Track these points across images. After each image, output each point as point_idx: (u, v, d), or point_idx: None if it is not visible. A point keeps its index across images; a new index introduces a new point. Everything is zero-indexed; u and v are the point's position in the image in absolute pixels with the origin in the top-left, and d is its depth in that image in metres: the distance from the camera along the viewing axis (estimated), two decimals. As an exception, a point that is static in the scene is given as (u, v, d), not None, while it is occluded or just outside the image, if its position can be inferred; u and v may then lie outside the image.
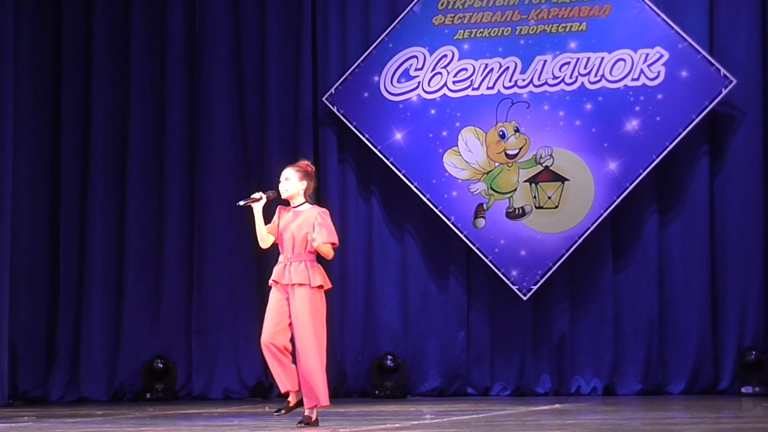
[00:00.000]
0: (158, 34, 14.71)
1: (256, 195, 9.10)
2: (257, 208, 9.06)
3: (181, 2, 14.69)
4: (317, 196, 14.27)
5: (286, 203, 9.21)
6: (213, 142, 14.50)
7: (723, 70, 13.34)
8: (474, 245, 13.88)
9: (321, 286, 8.99)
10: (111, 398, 14.22)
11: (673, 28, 13.50)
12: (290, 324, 8.94)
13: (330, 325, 13.99)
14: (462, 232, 13.90)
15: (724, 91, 13.34)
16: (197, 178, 14.54)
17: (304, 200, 9.14)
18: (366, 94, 14.23)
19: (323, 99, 14.33)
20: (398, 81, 14.18)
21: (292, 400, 9.07)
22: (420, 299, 14.16)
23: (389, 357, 13.88)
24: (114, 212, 14.53)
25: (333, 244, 9.00)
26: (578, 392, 13.69)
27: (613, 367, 13.69)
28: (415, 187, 14.02)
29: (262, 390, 14.16)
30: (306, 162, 9.33)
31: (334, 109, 14.28)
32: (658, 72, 13.54)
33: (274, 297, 8.99)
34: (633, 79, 13.61)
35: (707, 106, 13.39)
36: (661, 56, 13.55)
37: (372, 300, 14.26)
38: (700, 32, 13.58)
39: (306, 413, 8.94)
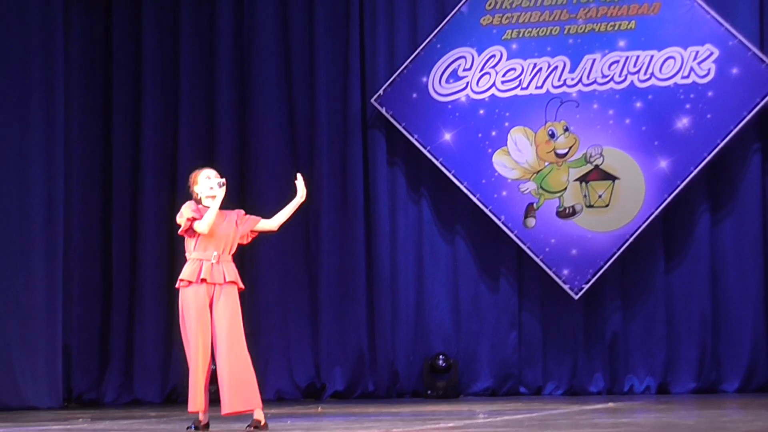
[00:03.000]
0: (207, 38, 14.79)
1: (222, 180, 8.99)
2: (219, 195, 8.93)
3: (229, 6, 14.76)
4: (366, 198, 14.36)
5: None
6: (262, 145, 14.55)
7: (774, 67, 13.27)
8: (524, 245, 13.86)
9: (242, 289, 8.95)
10: (164, 400, 14.31)
11: (722, 25, 13.42)
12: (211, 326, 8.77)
13: (381, 325, 14.18)
14: (512, 232, 13.89)
15: (775, 88, 13.28)
16: (247, 181, 14.60)
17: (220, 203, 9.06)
18: (414, 95, 14.25)
19: (372, 100, 14.36)
20: (447, 81, 14.18)
21: (204, 419, 8.91)
22: (471, 300, 14.15)
23: (441, 357, 13.89)
24: (165, 214, 14.58)
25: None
26: (631, 391, 13.64)
27: (667, 365, 13.62)
28: (465, 187, 14.01)
29: (314, 391, 14.21)
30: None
31: (383, 111, 14.30)
32: (709, 69, 13.48)
33: (198, 298, 8.77)
34: (683, 77, 13.54)
35: (758, 103, 13.31)
36: (711, 53, 13.48)
37: (423, 301, 14.27)
38: (751, 29, 13.49)
39: (259, 417, 8.76)
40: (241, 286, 8.95)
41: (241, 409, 8.74)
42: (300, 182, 9.13)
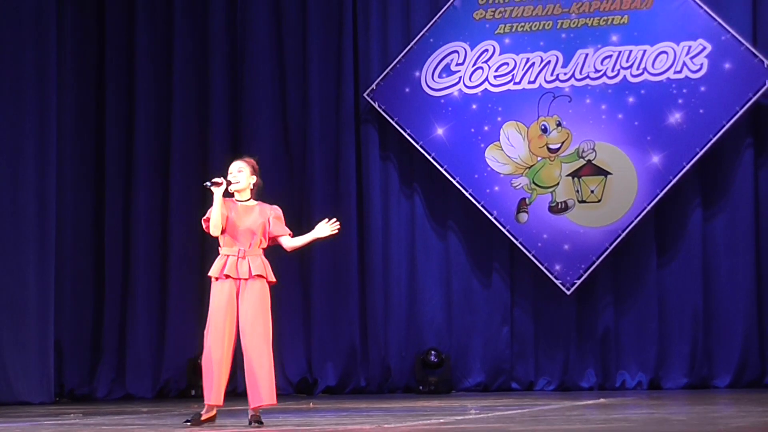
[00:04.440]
0: (200, 33, 14.77)
1: (218, 179, 8.81)
2: (218, 193, 8.76)
3: (222, 2, 14.73)
4: (359, 193, 14.34)
5: (229, 195, 8.96)
6: (256, 140, 14.53)
7: (767, 62, 13.25)
8: (517, 240, 13.86)
9: (273, 282, 8.86)
10: (156, 395, 14.30)
11: (715, 19, 13.42)
12: (236, 322, 8.73)
13: (373, 321, 14.18)
14: (505, 227, 13.89)
15: (768, 83, 13.28)
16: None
17: (250, 196, 8.95)
18: (407, 90, 14.24)
19: (364, 95, 14.35)
20: (439, 76, 14.17)
21: (209, 414, 8.84)
22: (463, 295, 14.15)
23: (433, 352, 13.89)
24: (157, 211, 14.60)
25: (291, 235, 8.98)
26: (623, 386, 13.64)
27: (659, 361, 13.63)
28: (457, 182, 14.01)
29: (306, 386, 14.21)
30: (252, 158, 9.09)
31: (376, 105, 14.29)
32: (701, 64, 13.47)
33: (222, 294, 8.74)
34: (676, 72, 13.54)
35: (751, 98, 13.31)
36: (704, 48, 13.47)
37: (415, 296, 14.27)
38: (743, 24, 13.49)
39: (255, 413, 8.73)
40: (271, 279, 8.84)
41: (261, 403, 8.71)
42: (331, 226, 9.00)
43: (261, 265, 8.81)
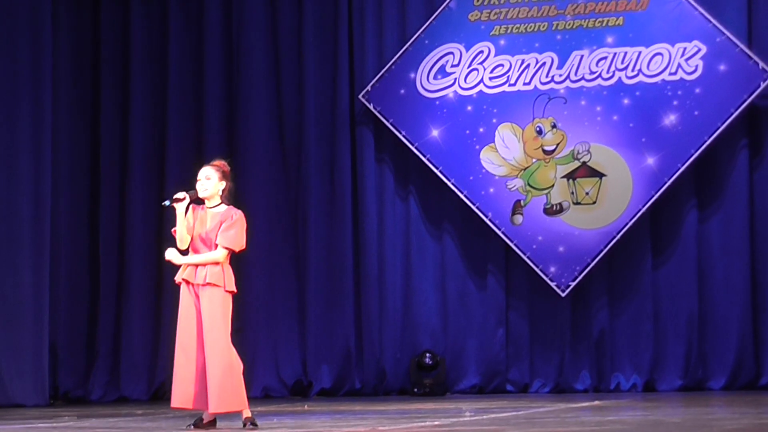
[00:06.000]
0: (195, 33, 14.76)
1: (180, 195, 8.82)
2: (180, 209, 8.81)
3: (218, 2, 14.72)
4: (354, 195, 14.32)
5: (201, 202, 8.97)
6: (251, 141, 14.53)
7: (761, 64, 13.25)
8: (512, 242, 13.85)
9: (232, 291, 8.83)
10: (151, 397, 14.28)
11: (710, 21, 13.42)
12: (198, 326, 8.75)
13: (368, 323, 14.16)
14: (499, 229, 13.88)
15: (763, 85, 13.26)
16: (235, 177, 14.52)
17: (220, 201, 8.94)
18: (402, 91, 14.23)
19: (359, 96, 14.34)
20: (434, 77, 14.17)
21: (208, 417, 8.86)
22: (458, 297, 14.14)
23: (428, 354, 13.87)
24: (153, 212, 14.57)
25: (230, 249, 8.79)
26: (618, 389, 13.63)
27: (653, 363, 13.62)
28: (452, 184, 14.00)
29: (301, 388, 14.20)
30: (224, 161, 9.07)
31: (371, 107, 14.28)
32: (696, 66, 13.47)
33: (185, 298, 8.83)
34: (671, 74, 13.54)
35: (746, 100, 13.31)
36: (699, 50, 13.47)
37: (410, 298, 14.26)
38: (738, 25, 13.48)
39: (248, 415, 8.73)
40: (229, 288, 8.80)
41: (216, 410, 8.70)
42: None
43: (219, 273, 8.78)
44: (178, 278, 8.88)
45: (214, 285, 8.76)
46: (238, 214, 8.91)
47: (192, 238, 8.85)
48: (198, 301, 8.78)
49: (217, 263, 8.80)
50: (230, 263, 8.90)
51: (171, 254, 8.82)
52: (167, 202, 8.85)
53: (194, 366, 8.75)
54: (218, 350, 8.68)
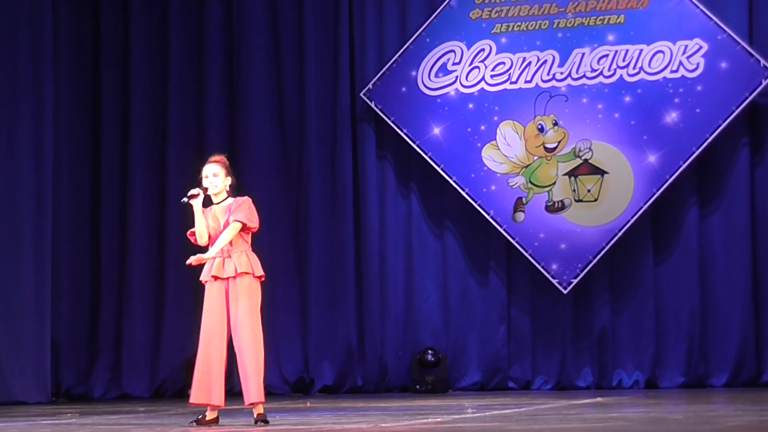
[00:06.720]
0: (196, 31, 14.77)
1: (195, 191, 8.90)
2: (197, 205, 8.88)
3: (218, 0, 14.73)
4: (355, 192, 14.34)
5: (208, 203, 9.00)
6: (252, 139, 14.54)
7: (763, 61, 13.26)
8: (513, 239, 13.86)
9: (261, 277, 8.89)
10: (153, 394, 14.29)
11: (712, 19, 13.43)
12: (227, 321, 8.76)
13: (370, 320, 14.17)
14: (501, 227, 13.89)
15: (765, 82, 13.27)
16: (237, 175, 14.52)
17: (227, 195, 9.01)
18: (404, 89, 14.24)
19: (361, 94, 14.35)
20: (436, 75, 14.18)
21: (211, 415, 8.86)
22: (460, 294, 14.15)
23: (430, 352, 13.88)
24: (154, 209, 14.60)
25: (242, 223, 8.82)
26: (620, 386, 13.65)
27: (655, 360, 13.63)
28: (454, 181, 14.01)
29: (303, 385, 14.21)
30: (223, 156, 9.14)
31: (372, 105, 14.29)
32: (698, 64, 13.48)
33: (212, 296, 8.80)
34: (672, 71, 13.55)
35: (747, 98, 13.32)
36: (700, 48, 13.48)
37: (412, 295, 14.27)
38: (740, 23, 13.50)
39: (260, 411, 8.74)
40: (258, 274, 8.86)
41: (256, 400, 8.73)
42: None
43: (246, 261, 8.85)
44: (204, 277, 8.88)
45: (245, 273, 8.80)
46: (244, 198, 9.01)
47: (209, 236, 8.90)
48: (227, 296, 8.80)
49: (242, 252, 8.80)
50: (252, 249, 8.92)
51: (194, 258, 8.85)
52: (185, 200, 8.91)
53: (217, 363, 8.76)
54: (256, 340, 8.73)
